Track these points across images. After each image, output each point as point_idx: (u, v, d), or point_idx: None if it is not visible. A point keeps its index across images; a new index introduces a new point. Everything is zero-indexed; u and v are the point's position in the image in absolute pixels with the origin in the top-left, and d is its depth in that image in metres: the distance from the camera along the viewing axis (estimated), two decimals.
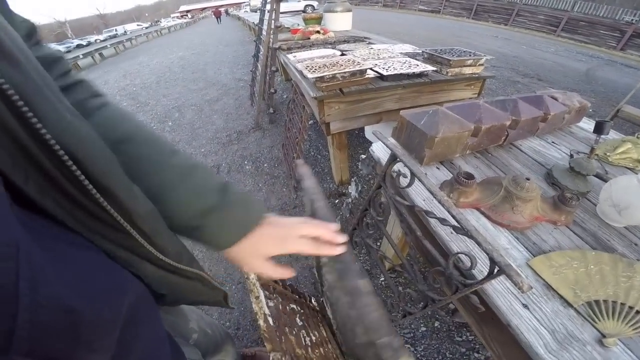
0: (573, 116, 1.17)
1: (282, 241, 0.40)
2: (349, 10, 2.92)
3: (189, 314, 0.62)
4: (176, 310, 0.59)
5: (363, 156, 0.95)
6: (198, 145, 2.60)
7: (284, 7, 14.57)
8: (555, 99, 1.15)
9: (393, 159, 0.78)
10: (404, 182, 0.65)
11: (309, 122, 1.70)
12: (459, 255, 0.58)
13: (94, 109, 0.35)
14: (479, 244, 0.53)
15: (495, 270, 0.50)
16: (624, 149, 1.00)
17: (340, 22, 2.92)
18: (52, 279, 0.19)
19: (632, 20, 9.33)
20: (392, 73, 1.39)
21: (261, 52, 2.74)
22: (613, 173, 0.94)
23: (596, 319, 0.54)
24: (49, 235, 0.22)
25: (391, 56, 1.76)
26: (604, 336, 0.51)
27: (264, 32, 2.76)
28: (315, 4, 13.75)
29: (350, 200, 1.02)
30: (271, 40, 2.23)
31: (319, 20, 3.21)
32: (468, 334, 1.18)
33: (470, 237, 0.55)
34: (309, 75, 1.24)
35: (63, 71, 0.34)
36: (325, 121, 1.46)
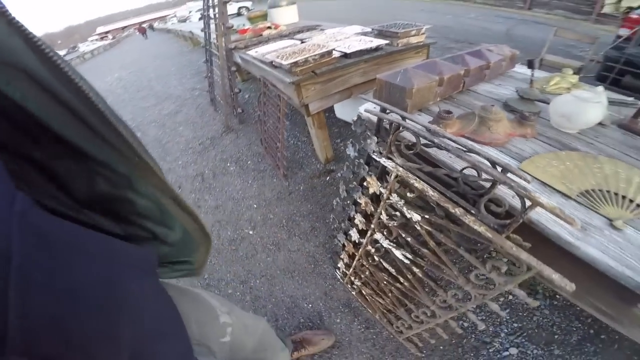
0: (508, 63, 1.38)
1: None
2: (294, 3, 2.96)
3: (217, 307, 0.61)
4: (203, 306, 0.59)
5: (354, 118, 1.04)
6: (173, 159, 2.50)
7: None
8: (491, 51, 1.35)
9: (383, 111, 0.89)
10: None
11: (286, 111, 1.75)
12: (465, 170, 0.71)
13: None
14: (477, 153, 0.66)
15: (500, 171, 0.63)
16: (555, 81, 1.23)
17: (287, 15, 2.94)
18: (45, 288, 0.20)
19: None
20: (354, 50, 1.49)
21: (215, 57, 2.69)
22: (552, 99, 1.15)
23: (596, 206, 0.67)
24: (59, 240, 0.23)
25: (346, 37, 1.86)
26: (610, 220, 0.63)
27: (212, 37, 2.71)
28: (249, 4, 13.30)
29: (349, 163, 1.11)
30: (224, 41, 2.21)
31: (264, 17, 3.20)
32: None
33: (469, 150, 0.67)
34: (284, 62, 1.29)
35: None
36: (305, 103, 1.53)
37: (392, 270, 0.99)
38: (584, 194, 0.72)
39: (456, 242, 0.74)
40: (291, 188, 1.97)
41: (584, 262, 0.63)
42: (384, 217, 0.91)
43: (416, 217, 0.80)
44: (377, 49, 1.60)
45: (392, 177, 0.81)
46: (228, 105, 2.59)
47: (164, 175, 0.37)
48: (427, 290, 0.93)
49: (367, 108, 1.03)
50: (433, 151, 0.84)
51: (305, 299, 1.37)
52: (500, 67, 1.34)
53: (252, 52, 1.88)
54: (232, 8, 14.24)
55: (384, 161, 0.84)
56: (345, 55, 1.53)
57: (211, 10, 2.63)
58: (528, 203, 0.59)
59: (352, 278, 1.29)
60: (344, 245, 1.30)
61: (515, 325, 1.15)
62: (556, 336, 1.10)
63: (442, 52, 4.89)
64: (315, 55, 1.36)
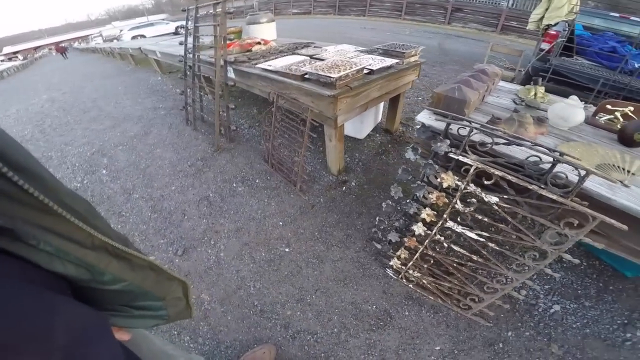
0: (499, 79, 1.87)
1: None
2: (273, 21, 3.20)
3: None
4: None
5: (418, 127, 1.32)
6: (163, 185, 2.39)
7: (152, 31, 14.10)
8: (488, 69, 1.81)
9: (451, 118, 1.19)
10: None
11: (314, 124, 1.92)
12: (529, 158, 1.04)
13: None
14: (534, 143, 1.00)
15: (559, 154, 0.97)
16: (532, 92, 1.71)
17: (266, 32, 3.16)
18: None
19: None
20: (378, 67, 1.81)
21: (200, 72, 2.72)
22: (546, 106, 1.61)
23: (609, 173, 1.04)
24: None
25: (357, 55, 2.18)
26: (621, 182, 1.01)
27: (189, 50, 2.75)
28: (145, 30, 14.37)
29: (406, 166, 1.37)
30: (223, 55, 2.31)
31: (239, 34, 3.36)
32: None
33: (535, 143, 1.01)
34: (333, 75, 1.51)
35: None
36: (337, 115, 1.76)
37: (464, 252, 1.27)
38: (597, 167, 1.12)
39: (530, 212, 1.05)
40: (312, 201, 2.13)
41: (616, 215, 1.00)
42: (459, 205, 1.19)
43: (494, 199, 1.09)
44: (391, 67, 1.95)
45: (472, 169, 1.09)
46: (220, 124, 2.62)
47: (94, 214, 0.38)
48: (499, 260, 1.23)
49: (423, 118, 1.33)
50: (497, 147, 1.16)
51: (367, 302, 1.53)
52: (496, 82, 1.82)
53: (264, 66, 2.04)
54: (169, 27, 14.97)
55: (461, 158, 1.12)
56: (370, 72, 1.83)
57: (190, 23, 2.70)
58: (582, 173, 0.94)
59: (411, 271, 1.52)
60: (398, 243, 1.53)
61: (547, 287, 1.53)
62: (579, 291, 1.51)
63: None
64: (353, 70, 1.62)
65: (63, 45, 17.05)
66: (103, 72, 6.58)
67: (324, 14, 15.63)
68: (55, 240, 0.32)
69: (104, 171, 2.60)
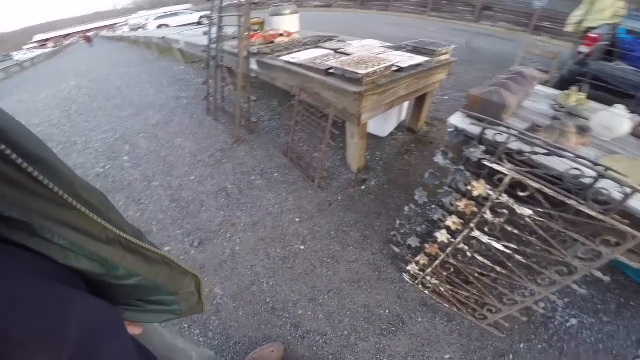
0: (537, 83, 1.78)
1: None
2: (296, 13, 3.17)
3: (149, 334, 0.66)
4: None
5: (450, 130, 1.27)
6: (182, 174, 2.44)
7: (176, 21, 14.73)
8: (525, 72, 1.73)
9: (489, 123, 1.14)
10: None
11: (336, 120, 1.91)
12: (570, 171, 0.99)
13: None
14: (577, 155, 0.94)
15: (603, 168, 0.91)
16: (573, 98, 1.61)
17: (289, 24, 3.14)
18: None
19: None
20: (408, 65, 1.76)
21: (223, 62, 2.74)
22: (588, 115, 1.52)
23: None
24: None
25: (383, 51, 2.13)
26: None
27: (213, 40, 2.77)
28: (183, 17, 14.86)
29: (433, 171, 1.32)
30: (246, 45, 2.30)
31: (262, 24, 3.35)
32: None
33: (572, 153, 0.95)
34: (361, 72, 1.48)
35: None
36: (361, 113, 1.72)
37: (488, 262, 1.23)
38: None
39: (564, 227, 1.00)
40: (330, 199, 2.11)
41: None
42: (488, 215, 1.14)
43: (527, 211, 1.04)
44: (420, 64, 1.89)
45: (507, 179, 1.05)
46: (241, 115, 2.63)
47: (111, 210, 0.39)
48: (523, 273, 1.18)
49: (457, 121, 1.28)
50: (535, 156, 1.10)
51: (380, 306, 1.51)
52: (535, 86, 1.73)
53: (287, 58, 2.02)
54: (193, 17, 15.23)
55: (496, 166, 1.08)
56: (399, 70, 1.78)
57: (215, 14, 2.71)
58: (628, 191, 0.88)
59: (429, 278, 1.49)
60: (417, 248, 1.50)
61: (566, 300, 1.47)
62: (599, 306, 1.44)
63: None
64: (381, 67, 1.58)
65: (89, 34, 17.94)
66: (128, 61, 6.81)
67: (345, 8, 15.43)
68: (70, 234, 0.32)
69: (126, 158, 2.68)
